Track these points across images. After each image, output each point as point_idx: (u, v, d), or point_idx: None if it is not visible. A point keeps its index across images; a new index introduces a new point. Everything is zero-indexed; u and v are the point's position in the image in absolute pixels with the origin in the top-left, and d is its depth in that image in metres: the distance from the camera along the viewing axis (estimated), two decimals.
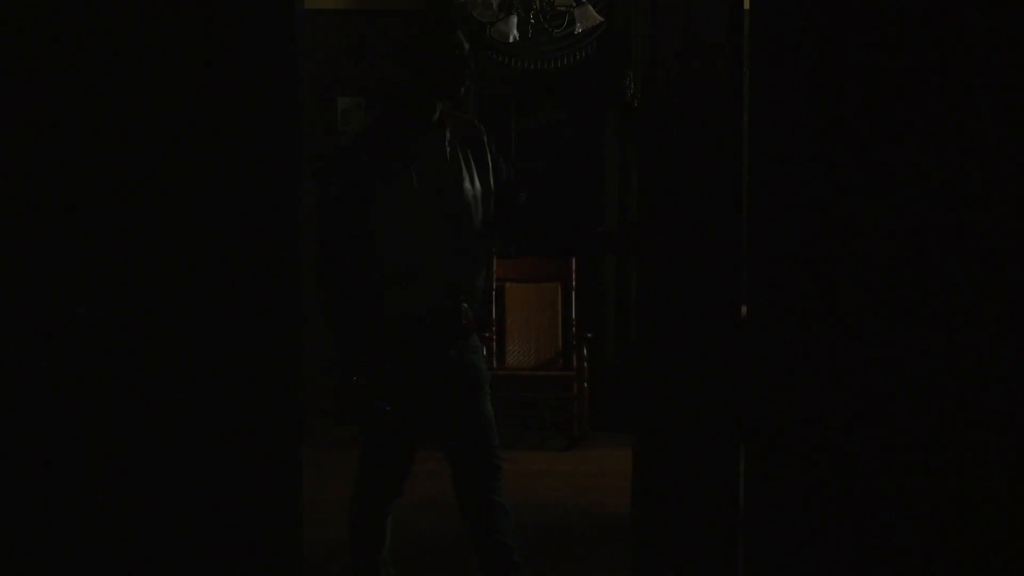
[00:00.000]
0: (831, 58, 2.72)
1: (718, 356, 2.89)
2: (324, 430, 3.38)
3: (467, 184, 3.37)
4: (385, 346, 3.31)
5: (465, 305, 3.38)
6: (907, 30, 2.67)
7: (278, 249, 2.85)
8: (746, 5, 2.86)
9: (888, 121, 2.69)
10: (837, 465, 2.77)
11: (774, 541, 2.84)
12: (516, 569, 3.45)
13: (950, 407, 2.69)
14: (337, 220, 3.30)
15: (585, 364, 6.23)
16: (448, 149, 3.37)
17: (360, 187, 3.28)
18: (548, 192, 6.75)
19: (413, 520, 4.50)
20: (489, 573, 3.48)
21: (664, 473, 2.95)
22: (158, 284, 2.81)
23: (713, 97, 2.86)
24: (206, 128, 2.81)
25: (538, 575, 4.10)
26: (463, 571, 3.66)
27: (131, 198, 2.81)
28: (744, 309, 2.87)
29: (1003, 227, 2.63)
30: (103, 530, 2.84)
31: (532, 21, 5.95)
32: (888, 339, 2.72)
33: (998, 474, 2.66)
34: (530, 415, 6.52)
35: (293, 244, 2.88)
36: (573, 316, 6.43)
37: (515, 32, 5.94)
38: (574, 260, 6.41)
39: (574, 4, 5.94)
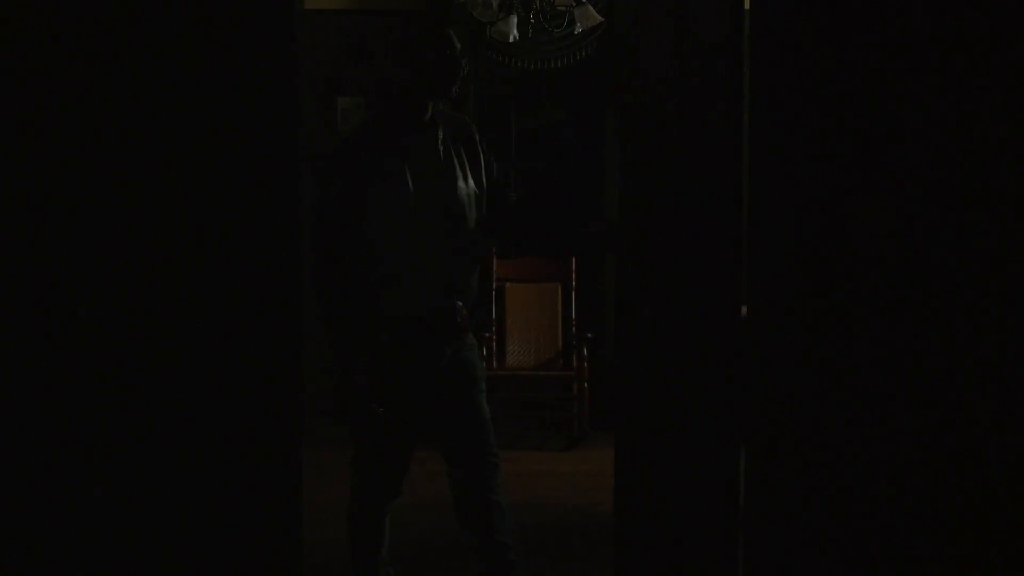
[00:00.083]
0: (831, 58, 2.72)
1: (718, 356, 2.89)
2: (324, 430, 3.38)
3: (461, 183, 3.37)
4: (382, 346, 3.32)
5: (460, 304, 3.39)
6: (908, 29, 2.67)
7: (278, 249, 2.85)
8: (746, 5, 2.86)
9: (889, 121, 2.69)
10: (837, 465, 2.77)
11: (774, 541, 2.84)
12: (512, 568, 3.46)
13: (951, 407, 2.69)
14: (333, 220, 3.30)
15: (585, 364, 6.24)
16: (441, 148, 3.37)
17: (355, 187, 3.29)
18: (548, 192, 6.76)
19: (413, 520, 4.50)
20: (486, 572, 3.49)
21: (663, 473, 2.95)
22: (158, 284, 2.81)
23: (713, 97, 2.86)
24: (206, 128, 2.81)
25: (538, 575, 4.11)
26: (463, 571, 3.66)
27: (131, 198, 2.81)
28: (744, 309, 2.87)
29: (1004, 227, 2.63)
30: (103, 530, 2.84)
31: (532, 21, 5.95)
32: (888, 339, 2.72)
33: (999, 474, 2.66)
34: (530, 415, 6.52)
35: (293, 244, 2.88)
36: (573, 316, 6.43)
37: (515, 32, 5.94)
38: (574, 260, 6.41)
39: (574, 4, 5.94)
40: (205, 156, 2.81)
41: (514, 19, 5.92)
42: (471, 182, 3.40)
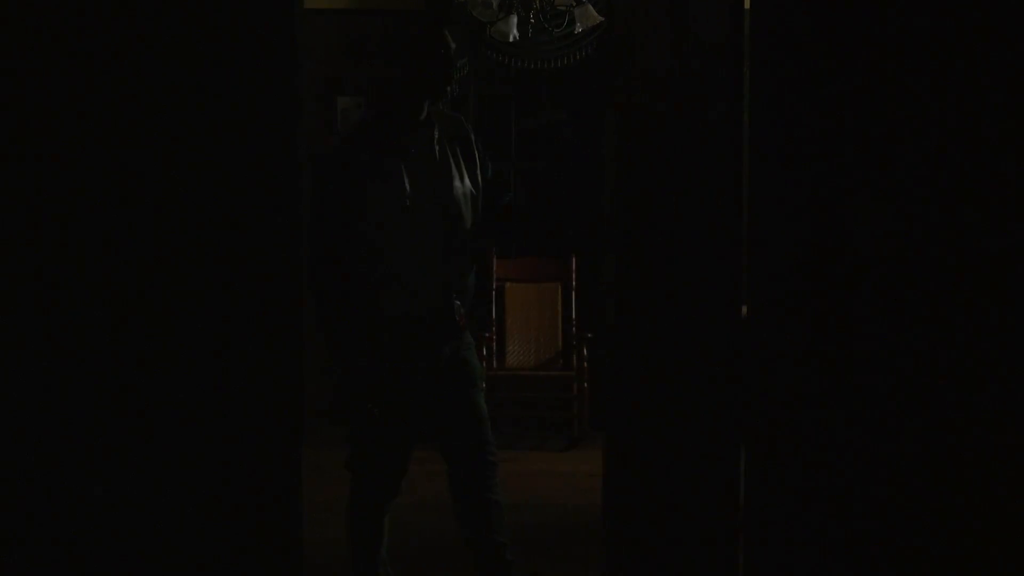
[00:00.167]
0: (831, 57, 2.72)
1: (718, 356, 2.89)
2: (324, 430, 3.38)
3: (457, 182, 3.37)
4: (380, 345, 3.31)
5: (458, 303, 3.38)
6: (908, 29, 2.67)
7: (278, 249, 2.85)
8: (746, 5, 2.86)
9: (888, 120, 2.69)
10: (837, 465, 2.77)
11: (774, 541, 2.84)
12: (508, 567, 3.47)
13: (951, 407, 2.69)
14: (330, 221, 3.29)
15: (585, 364, 6.23)
16: (437, 148, 3.37)
17: (352, 187, 3.28)
18: (548, 192, 6.76)
19: (413, 520, 4.50)
20: (483, 571, 3.49)
21: (662, 474, 2.95)
22: (157, 284, 2.81)
23: (713, 97, 2.86)
24: (206, 128, 2.80)
25: (538, 575, 4.11)
26: (463, 571, 3.66)
27: (131, 198, 2.80)
28: (744, 309, 2.87)
29: (1005, 227, 2.63)
30: (103, 530, 2.84)
31: (532, 21, 5.95)
32: (888, 339, 2.72)
33: (999, 474, 2.66)
34: (530, 415, 6.52)
35: (293, 244, 2.88)
36: (573, 316, 6.43)
37: (515, 32, 5.94)
38: (574, 260, 6.41)
39: (574, 4, 5.94)
40: (205, 156, 2.81)
41: (514, 19, 5.91)
42: (467, 181, 3.40)
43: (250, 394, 2.85)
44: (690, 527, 2.94)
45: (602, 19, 6.00)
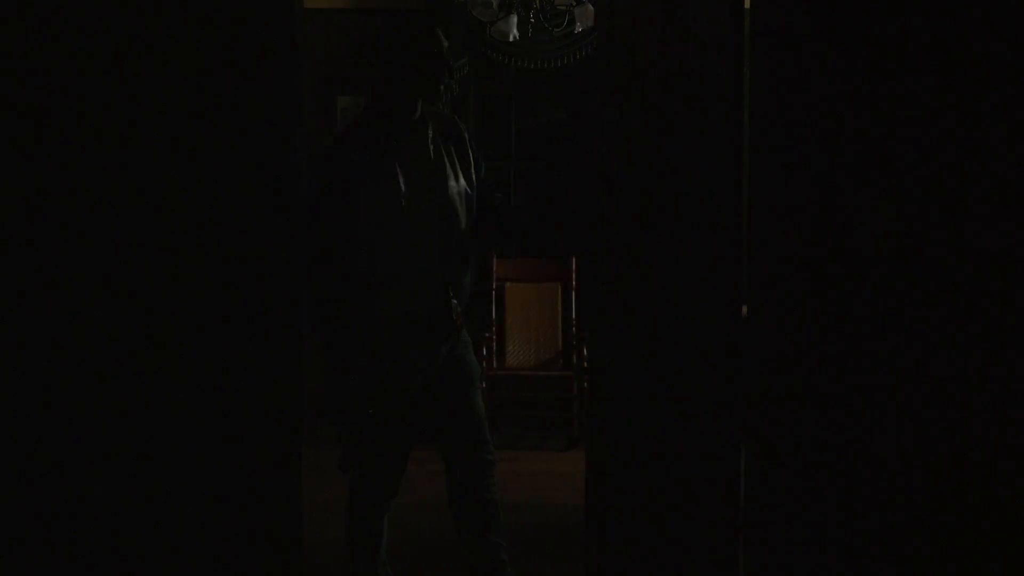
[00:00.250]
0: (832, 57, 2.72)
1: (718, 356, 2.89)
2: (324, 430, 3.38)
3: (452, 182, 3.37)
4: (378, 345, 3.31)
5: (455, 302, 3.38)
6: (908, 29, 2.67)
7: (277, 248, 2.85)
8: (746, 4, 2.86)
9: (889, 120, 2.69)
10: (837, 465, 2.77)
11: (774, 541, 2.84)
12: (503, 567, 3.48)
13: (951, 407, 2.69)
14: (326, 222, 3.28)
15: (585, 364, 6.24)
16: (432, 147, 3.36)
17: (347, 188, 3.28)
18: (548, 192, 6.76)
19: (413, 520, 4.50)
20: (477, 570, 3.50)
21: (663, 474, 2.95)
22: (157, 284, 2.81)
23: (713, 97, 2.86)
24: (206, 127, 2.80)
25: (538, 575, 4.11)
26: (463, 571, 3.66)
27: (130, 198, 2.80)
28: (744, 309, 2.87)
29: (1005, 227, 2.63)
30: (103, 530, 2.84)
31: (532, 20, 5.95)
32: (888, 339, 2.72)
33: (999, 474, 2.66)
34: (530, 415, 6.52)
35: (293, 244, 2.88)
36: (573, 316, 6.43)
37: (515, 31, 5.94)
38: (574, 260, 6.41)
39: (574, 3, 5.94)
40: (205, 156, 2.81)
41: (514, 18, 5.91)
42: (462, 181, 3.40)
43: (250, 394, 2.85)
44: (690, 527, 2.94)
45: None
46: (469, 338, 3.54)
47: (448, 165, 3.38)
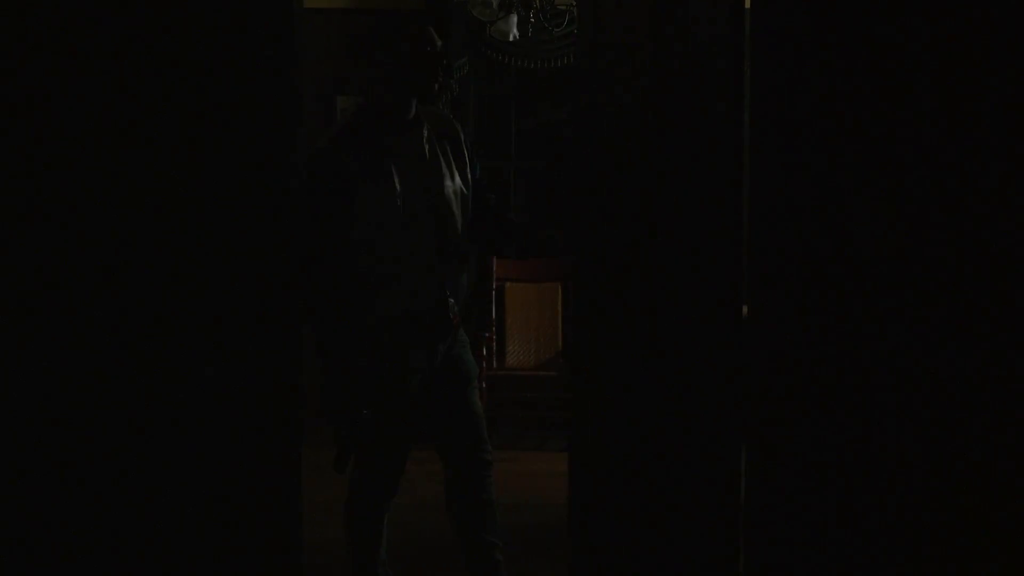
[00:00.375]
0: (832, 57, 2.72)
1: (718, 356, 2.89)
2: (324, 430, 3.38)
3: (448, 181, 3.36)
4: (375, 345, 3.31)
5: (452, 301, 3.38)
6: (908, 29, 2.67)
7: (277, 248, 2.85)
8: (746, 4, 2.86)
9: (889, 120, 2.69)
10: (838, 465, 2.77)
11: (774, 541, 2.84)
12: (498, 567, 3.48)
13: (951, 407, 2.69)
14: (320, 223, 3.27)
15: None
16: (427, 147, 3.36)
17: (341, 189, 3.26)
18: (548, 193, 6.76)
19: (413, 520, 4.50)
20: (473, 569, 3.50)
21: (663, 473, 2.95)
22: (156, 284, 2.81)
23: (713, 97, 2.86)
24: (205, 127, 2.80)
25: (537, 575, 4.11)
26: (462, 572, 3.66)
27: (130, 198, 2.80)
28: (744, 309, 2.87)
29: (1005, 228, 2.63)
30: (104, 530, 2.84)
31: (532, 20, 5.94)
32: (888, 339, 2.72)
33: (999, 474, 2.66)
34: (530, 415, 6.51)
35: (293, 243, 2.88)
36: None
37: (515, 31, 5.94)
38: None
39: (574, 3, 5.93)
40: (205, 156, 2.81)
41: (514, 18, 5.91)
42: (457, 180, 3.39)
43: (250, 394, 2.85)
44: (690, 527, 2.94)
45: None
46: (467, 337, 3.54)
47: (444, 165, 3.37)
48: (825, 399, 2.77)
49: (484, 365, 6.08)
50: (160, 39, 2.78)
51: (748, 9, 2.85)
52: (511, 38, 5.99)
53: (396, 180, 3.28)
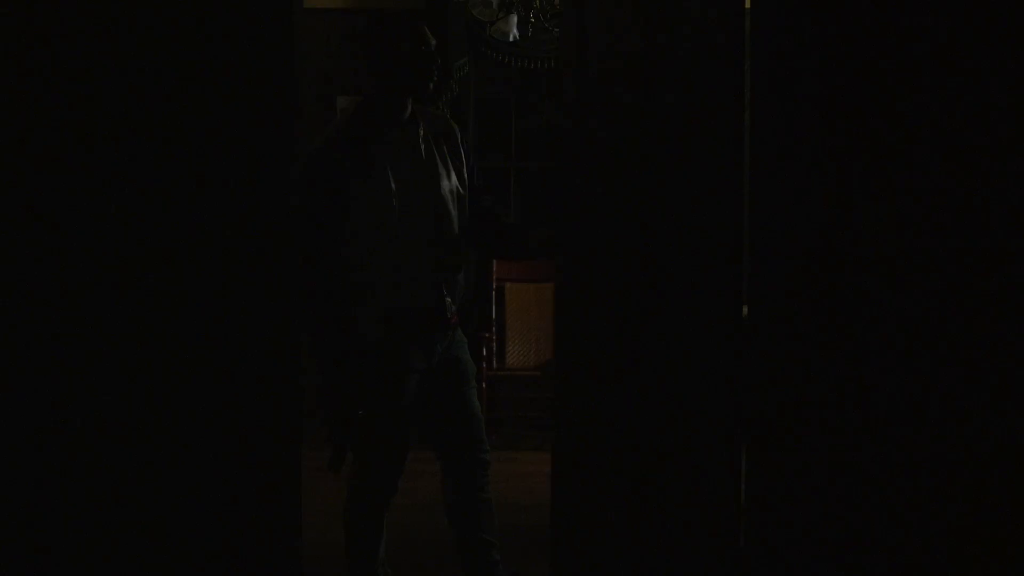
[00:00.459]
0: (832, 57, 2.72)
1: (719, 356, 2.88)
2: (324, 430, 3.38)
3: (444, 181, 3.35)
4: (371, 345, 3.30)
5: (449, 300, 3.37)
6: (909, 29, 2.67)
7: (276, 248, 2.85)
8: (747, 5, 2.86)
9: (889, 120, 2.69)
10: (838, 464, 2.77)
11: (774, 541, 2.84)
12: (494, 567, 3.48)
13: (951, 405, 2.69)
14: (315, 223, 3.25)
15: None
16: (423, 146, 3.35)
17: (336, 189, 3.25)
18: (546, 192, 6.75)
19: (413, 521, 4.50)
20: (469, 568, 3.50)
21: (664, 473, 2.94)
22: (156, 283, 2.81)
23: (714, 96, 2.86)
24: (205, 127, 2.80)
25: (535, 575, 4.11)
26: (462, 572, 3.66)
27: (129, 198, 2.80)
28: (744, 309, 2.87)
29: (1005, 227, 2.63)
30: (104, 530, 2.84)
31: (532, 20, 5.94)
32: (888, 338, 2.72)
33: (999, 473, 2.66)
34: (530, 415, 6.51)
35: (292, 244, 2.88)
36: None
37: (515, 31, 5.93)
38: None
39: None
40: (204, 155, 2.81)
41: (514, 18, 5.91)
42: (454, 179, 3.38)
43: (250, 394, 2.84)
44: (690, 527, 2.93)
45: None
46: (464, 337, 3.53)
47: (440, 164, 3.36)
48: (826, 398, 2.77)
49: (484, 365, 6.08)
50: (160, 39, 2.78)
51: (748, 9, 2.85)
52: (511, 38, 5.98)
53: (391, 179, 3.27)
